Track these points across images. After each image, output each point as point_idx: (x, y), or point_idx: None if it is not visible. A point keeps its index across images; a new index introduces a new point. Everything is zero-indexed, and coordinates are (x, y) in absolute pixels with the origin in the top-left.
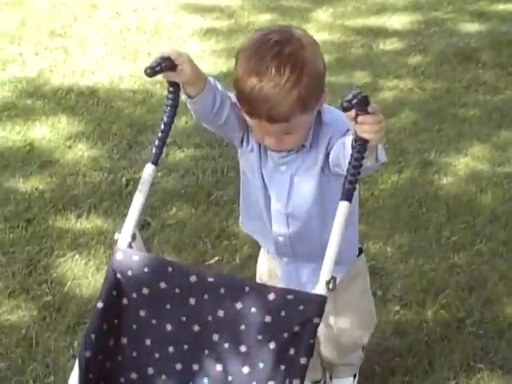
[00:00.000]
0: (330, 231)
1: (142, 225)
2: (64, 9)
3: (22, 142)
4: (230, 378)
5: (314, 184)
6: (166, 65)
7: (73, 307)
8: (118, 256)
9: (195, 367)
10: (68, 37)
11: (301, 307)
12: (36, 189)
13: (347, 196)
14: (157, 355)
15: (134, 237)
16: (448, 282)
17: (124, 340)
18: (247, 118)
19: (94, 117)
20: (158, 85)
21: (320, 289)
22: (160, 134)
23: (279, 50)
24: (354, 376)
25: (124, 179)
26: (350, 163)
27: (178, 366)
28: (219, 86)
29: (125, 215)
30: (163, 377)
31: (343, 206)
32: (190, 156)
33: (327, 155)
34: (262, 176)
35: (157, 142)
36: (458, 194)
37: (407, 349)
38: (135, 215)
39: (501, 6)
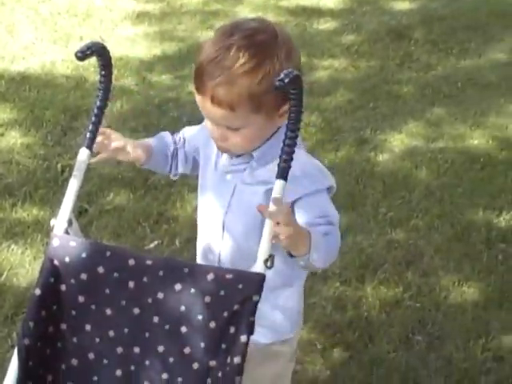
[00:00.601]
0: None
1: (80, 211)
2: None
3: None
4: (171, 360)
5: (256, 203)
6: (96, 48)
7: (10, 297)
8: (55, 242)
9: (136, 350)
10: None
11: (240, 286)
12: None
13: (282, 174)
14: (97, 340)
15: (70, 222)
16: (386, 257)
17: (63, 326)
18: (195, 93)
19: (27, 103)
20: (92, 69)
21: (258, 267)
22: (93, 118)
23: (251, 34)
24: None
25: (59, 166)
26: (284, 143)
27: (119, 350)
28: (168, 141)
29: (61, 202)
30: (104, 361)
31: (279, 184)
32: None
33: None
34: (207, 183)
35: (90, 127)
36: (393, 171)
37: (347, 324)
38: (71, 201)
39: None
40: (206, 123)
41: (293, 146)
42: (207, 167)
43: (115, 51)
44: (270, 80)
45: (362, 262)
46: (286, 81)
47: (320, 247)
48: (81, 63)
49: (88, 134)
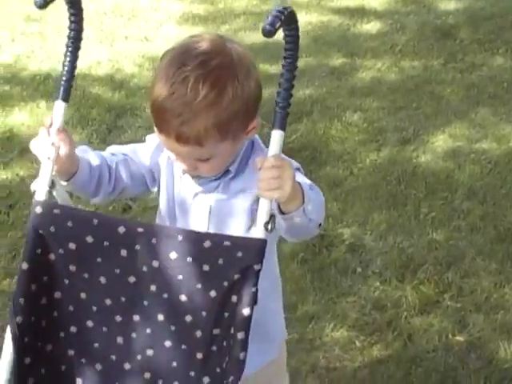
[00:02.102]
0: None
1: (124, 208)
2: None
3: (2, 128)
4: (173, 328)
5: (234, 219)
6: None
7: None
8: (38, 210)
9: (136, 318)
10: (44, 22)
11: (239, 254)
12: (17, 174)
13: (281, 124)
14: (94, 308)
15: (53, 184)
16: (426, 257)
17: (58, 294)
18: (156, 132)
19: (73, 102)
20: (137, 69)
21: (258, 232)
22: (65, 73)
23: (204, 60)
24: None
25: None
26: (279, 93)
27: (118, 318)
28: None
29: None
30: (104, 329)
31: (278, 135)
32: None
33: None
34: (173, 211)
35: (64, 77)
36: (435, 171)
37: (387, 323)
38: (51, 165)
39: None
40: (171, 156)
41: (290, 91)
42: (168, 192)
43: (159, 51)
44: (234, 104)
45: (402, 261)
46: (278, 25)
47: (311, 197)
48: (123, 64)
49: (62, 85)
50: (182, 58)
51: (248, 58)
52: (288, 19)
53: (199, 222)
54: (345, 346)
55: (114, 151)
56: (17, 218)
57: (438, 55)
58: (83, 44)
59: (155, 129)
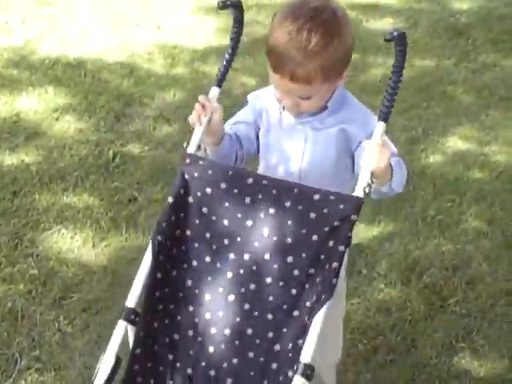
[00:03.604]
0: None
1: (129, 199)
2: None
3: (9, 112)
4: (275, 266)
5: (327, 147)
6: (233, 2)
7: (58, 281)
8: (187, 159)
9: (246, 257)
10: (55, 5)
11: (341, 206)
12: (22, 161)
13: (384, 117)
14: (214, 247)
15: (199, 147)
16: (433, 261)
17: (188, 232)
18: (271, 72)
19: (82, 88)
20: (146, 56)
21: (358, 192)
22: (224, 63)
23: (315, 14)
24: None
25: (111, 152)
26: (387, 91)
27: (231, 256)
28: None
29: (111, 189)
30: (218, 265)
31: (380, 126)
32: (178, 129)
33: (352, 156)
34: (277, 139)
35: (221, 69)
36: (444, 172)
37: (391, 327)
38: (201, 130)
39: None
40: (277, 93)
41: (394, 95)
42: (270, 129)
43: (170, 40)
44: (337, 53)
45: (408, 264)
46: (395, 35)
47: (397, 171)
48: (134, 51)
49: (218, 75)
50: (296, 13)
51: (347, 15)
52: (400, 39)
53: (296, 149)
54: (348, 349)
55: (231, 125)
56: (20, 205)
57: (450, 54)
58: (95, 30)
59: (270, 71)
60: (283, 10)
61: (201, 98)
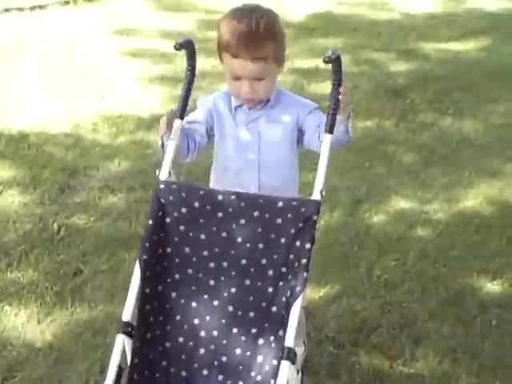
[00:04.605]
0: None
1: (75, 272)
2: None
3: None
4: (251, 269)
5: (280, 135)
6: (185, 43)
7: (1, 361)
8: (161, 186)
9: (224, 264)
10: None
11: (303, 209)
12: None
13: (329, 129)
14: (194, 259)
15: (170, 174)
16: (380, 320)
17: (168, 250)
18: (230, 62)
19: (26, 161)
20: (91, 127)
21: (316, 195)
22: (181, 102)
23: (254, 9)
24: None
25: (56, 225)
26: (328, 111)
27: (211, 265)
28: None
29: (56, 262)
30: (200, 274)
31: (327, 138)
32: (124, 199)
33: (299, 130)
34: (234, 137)
35: (181, 104)
36: (388, 232)
37: None
38: (169, 158)
39: (426, 45)
40: (236, 84)
41: (336, 109)
42: (224, 126)
43: (115, 109)
44: (281, 39)
45: (355, 325)
46: (333, 57)
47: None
48: (78, 121)
49: (180, 107)
50: (239, 12)
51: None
52: (336, 61)
53: (252, 144)
54: None
55: (185, 123)
56: None
57: (390, 114)
58: (38, 102)
59: (229, 61)
60: (226, 16)
61: (163, 120)
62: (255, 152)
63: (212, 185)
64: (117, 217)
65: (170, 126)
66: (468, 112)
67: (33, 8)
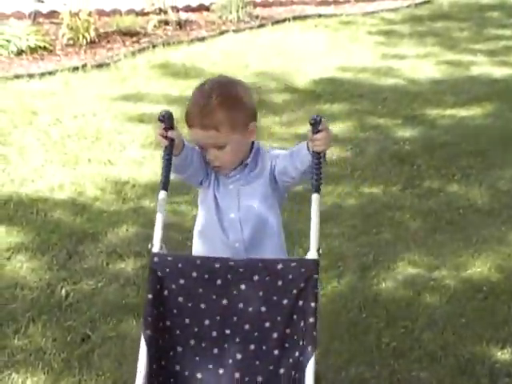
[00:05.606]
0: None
1: (82, 338)
2: (3, 116)
3: None
4: (256, 334)
5: (260, 191)
6: (167, 116)
7: None
8: (155, 259)
9: (227, 331)
10: (8, 144)
11: (302, 270)
12: None
13: (316, 189)
14: (196, 329)
15: (161, 247)
16: None
17: (168, 323)
18: (190, 132)
19: (34, 226)
20: (98, 192)
21: (313, 255)
22: (164, 169)
23: (213, 81)
24: None
25: (64, 291)
26: (313, 172)
27: (214, 334)
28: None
29: (64, 328)
30: (203, 344)
31: (316, 197)
32: (131, 265)
33: (273, 175)
34: (216, 198)
35: (164, 174)
36: (396, 299)
37: None
38: (159, 230)
39: (431, 111)
40: (203, 153)
41: (320, 169)
42: (209, 188)
43: (122, 174)
44: (239, 105)
45: None
46: (318, 119)
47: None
48: (86, 187)
49: (163, 180)
50: (200, 86)
51: (247, 85)
52: (319, 123)
53: (233, 202)
54: None
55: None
56: None
57: (396, 180)
58: (47, 167)
59: (188, 128)
60: (200, 87)
61: (158, 137)
62: (235, 211)
63: (195, 248)
64: (124, 283)
65: (165, 137)
66: (475, 178)
67: (42, 75)
